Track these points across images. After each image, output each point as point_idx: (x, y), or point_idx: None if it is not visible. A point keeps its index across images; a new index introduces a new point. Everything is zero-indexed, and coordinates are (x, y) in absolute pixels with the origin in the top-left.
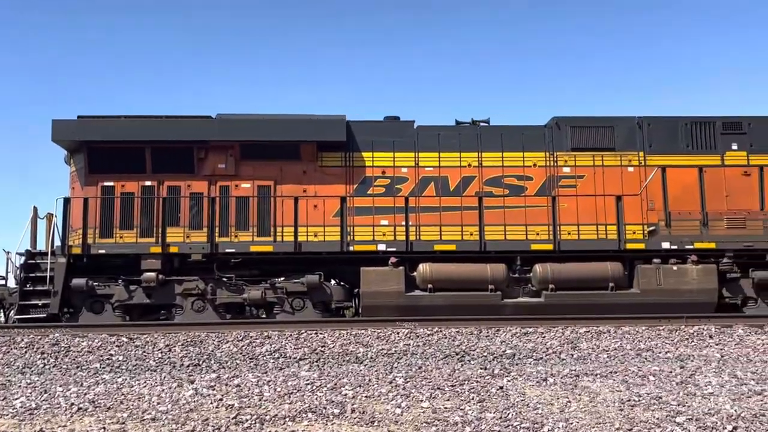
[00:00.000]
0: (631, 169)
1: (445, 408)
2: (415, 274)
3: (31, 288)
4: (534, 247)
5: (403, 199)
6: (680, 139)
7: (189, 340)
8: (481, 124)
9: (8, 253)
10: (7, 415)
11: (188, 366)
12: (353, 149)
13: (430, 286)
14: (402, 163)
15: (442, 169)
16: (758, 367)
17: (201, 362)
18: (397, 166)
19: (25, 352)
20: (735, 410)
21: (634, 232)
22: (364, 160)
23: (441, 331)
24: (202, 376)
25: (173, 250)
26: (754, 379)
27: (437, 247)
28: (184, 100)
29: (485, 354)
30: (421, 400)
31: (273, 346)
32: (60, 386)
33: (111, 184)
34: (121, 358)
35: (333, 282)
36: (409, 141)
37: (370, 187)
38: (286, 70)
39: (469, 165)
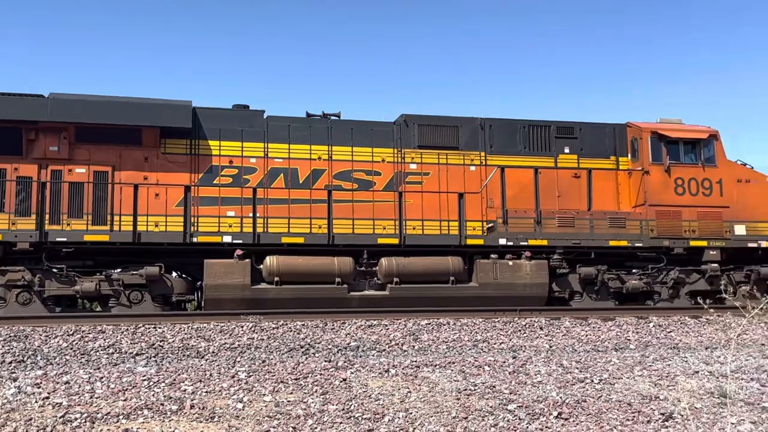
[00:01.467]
0: (473, 168)
1: (288, 401)
2: (261, 266)
3: None
4: (380, 241)
5: (251, 190)
6: (518, 141)
7: (12, 334)
8: (332, 117)
9: None
10: None
11: (10, 363)
12: (199, 137)
13: (276, 278)
14: (251, 153)
15: (292, 161)
16: (582, 357)
17: (26, 359)
18: (245, 156)
19: None
20: (560, 397)
21: (474, 229)
22: (211, 148)
23: (286, 324)
24: (27, 373)
25: None
26: (577, 368)
27: (285, 240)
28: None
29: (330, 347)
30: (264, 394)
31: (107, 341)
32: None
33: None
34: None
35: (174, 274)
36: (258, 131)
37: (217, 176)
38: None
39: (319, 158)
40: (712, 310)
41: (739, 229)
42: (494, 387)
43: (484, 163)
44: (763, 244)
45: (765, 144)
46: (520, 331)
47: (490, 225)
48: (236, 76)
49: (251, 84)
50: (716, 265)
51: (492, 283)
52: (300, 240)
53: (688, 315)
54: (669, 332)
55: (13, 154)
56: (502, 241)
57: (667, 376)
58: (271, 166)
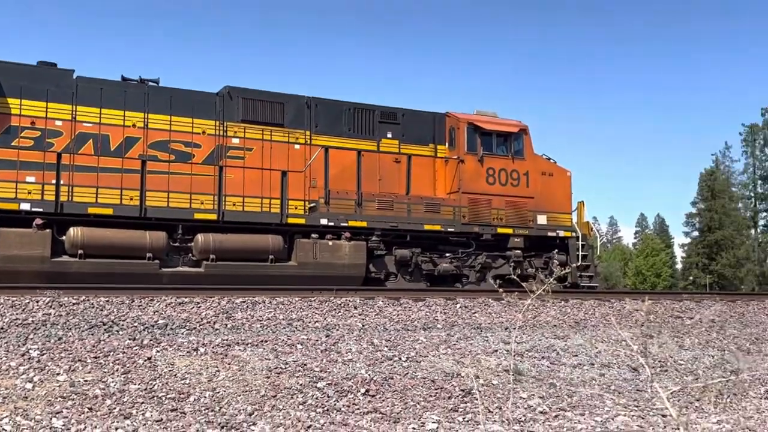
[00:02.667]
0: (297, 146)
1: (85, 381)
2: (64, 238)
3: None
4: (197, 216)
5: (54, 155)
6: (343, 122)
7: None
8: (150, 83)
9: None
10: None
11: None
12: None
13: (80, 251)
14: (56, 115)
15: (103, 127)
16: (392, 335)
17: None
18: (50, 117)
19: None
20: (369, 374)
21: (296, 208)
22: (10, 107)
23: (89, 299)
24: None
25: None
26: (387, 346)
27: (91, 210)
28: None
29: (136, 324)
30: (58, 374)
31: None
32: None
33: None
34: None
35: None
36: (66, 92)
37: (16, 138)
38: None
39: (134, 125)
40: (506, 294)
41: (541, 219)
42: (305, 365)
43: (308, 142)
44: (561, 233)
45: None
46: (335, 310)
47: (312, 205)
48: (43, 30)
49: (60, 40)
50: (520, 251)
51: (311, 263)
52: (108, 211)
53: (492, 297)
54: (474, 313)
55: None
56: (324, 222)
57: (469, 354)
58: (80, 130)
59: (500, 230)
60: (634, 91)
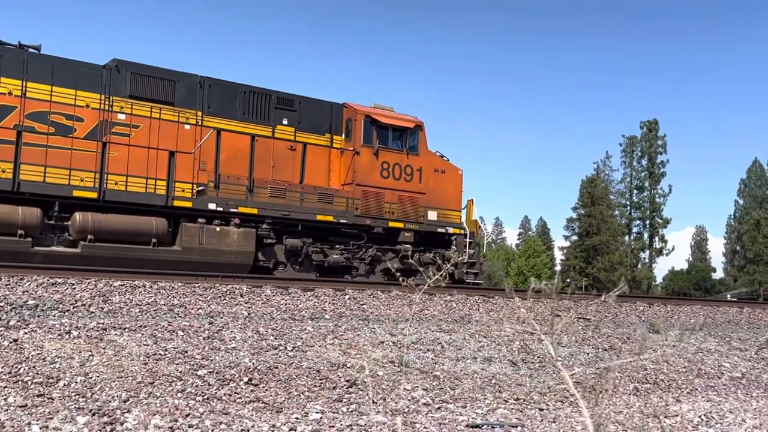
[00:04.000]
0: (188, 126)
1: None
2: None
3: None
4: (76, 193)
5: None
6: (238, 105)
7: None
8: (30, 50)
9: None
10: None
11: None
12: None
13: None
14: None
15: None
16: (278, 324)
17: None
18: None
19: None
20: (253, 363)
21: (183, 190)
22: None
23: None
24: None
25: None
26: (273, 335)
27: None
28: None
29: (2, 304)
30: None
31: None
32: None
33: None
34: None
35: None
36: None
37: None
38: None
39: (10, 93)
40: (394, 286)
41: (432, 215)
42: (186, 352)
43: (200, 123)
44: (450, 230)
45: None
46: (220, 297)
47: (200, 188)
48: None
49: None
50: (409, 245)
51: (197, 248)
52: None
53: (380, 289)
54: (362, 304)
55: None
56: (212, 206)
57: (355, 346)
58: None
59: (392, 224)
60: (526, 97)
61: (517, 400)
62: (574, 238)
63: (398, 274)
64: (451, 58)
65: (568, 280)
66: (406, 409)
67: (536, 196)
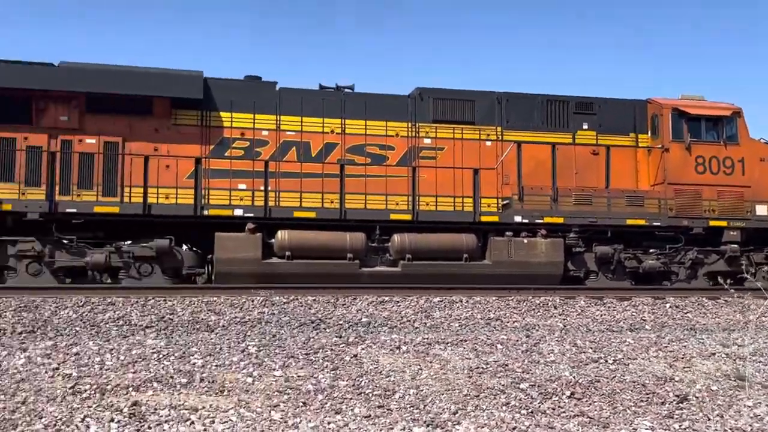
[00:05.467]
0: (488, 143)
1: (298, 376)
2: (273, 240)
3: None
4: (393, 216)
5: (262, 163)
6: (536, 116)
7: (22, 305)
8: (346, 90)
9: None
10: None
11: (20, 333)
12: (211, 108)
13: (288, 253)
14: (263, 125)
15: (305, 134)
16: (596, 337)
17: (36, 329)
18: (257, 128)
19: None
20: (574, 377)
21: (489, 205)
22: (223, 120)
23: (297, 299)
24: (37, 343)
25: (6, 207)
26: (591, 348)
27: (297, 214)
28: None
29: (341, 322)
30: (274, 369)
31: (117, 312)
32: None
33: None
34: None
35: (185, 247)
36: (270, 103)
37: (228, 148)
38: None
39: (332, 131)
40: (732, 291)
41: (761, 210)
42: (507, 365)
43: (500, 138)
44: None
45: None
46: (534, 309)
47: (505, 202)
48: (248, 48)
49: (263, 57)
50: (736, 245)
51: (506, 261)
52: (312, 215)
53: (706, 296)
54: (686, 313)
55: (23, 123)
56: (518, 219)
57: (682, 358)
58: (284, 139)
59: (713, 223)
60: None
61: None
62: None
63: (721, 278)
64: None
65: None
66: (749, 428)
67: None
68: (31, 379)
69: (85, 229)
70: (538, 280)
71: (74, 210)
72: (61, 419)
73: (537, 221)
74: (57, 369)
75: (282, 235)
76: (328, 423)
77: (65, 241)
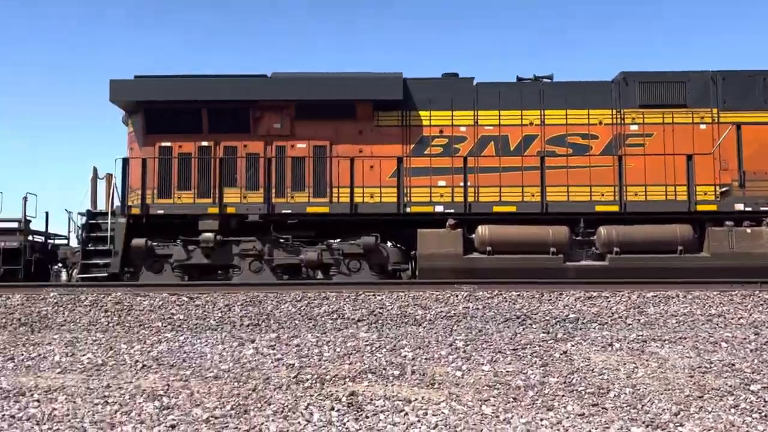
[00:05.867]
0: (703, 126)
1: (507, 372)
2: (473, 236)
3: (93, 248)
4: (599, 208)
5: (461, 159)
6: (757, 94)
7: (248, 300)
8: (544, 80)
9: (70, 213)
10: (76, 370)
11: (248, 326)
12: (410, 108)
13: (489, 248)
14: (460, 121)
15: (503, 128)
16: None
17: (260, 322)
18: (455, 124)
19: (90, 310)
20: None
21: (705, 193)
22: (422, 118)
23: (501, 294)
24: (262, 335)
25: (230, 210)
26: None
27: (497, 209)
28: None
29: (547, 318)
30: (482, 363)
31: (331, 307)
32: (124, 343)
33: (168, 144)
34: (181, 317)
35: (389, 244)
36: (468, 98)
37: (428, 146)
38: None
39: (531, 123)
40: None
41: None
42: (733, 365)
43: (716, 120)
44: None
45: None
46: (762, 305)
47: (723, 189)
48: (444, 45)
49: (459, 53)
50: None
51: (727, 253)
52: (512, 209)
53: None
54: None
55: (242, 132)
56: (739, 207)
57: None
58: (481, 134)
59: None
60: None
61: None
62: None
63: None
64: None
65: None
66: None
67: None
68: (259, 368)
69: (299, 228)
70: (764, 273)
71: (289, 211)
72: (287, 406)
73: (762, 209)
74: (281, 359)
75: (482, 230)
76: (541, 419)
77: (282, 241)
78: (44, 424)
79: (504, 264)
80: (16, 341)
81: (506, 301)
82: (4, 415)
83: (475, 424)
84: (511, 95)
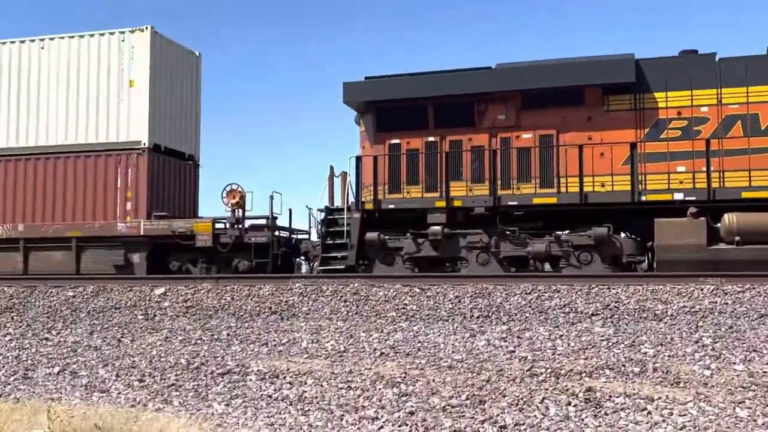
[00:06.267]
0: None
1: (764, 373)
2: (718, 225)
3: (331, 241)
4: None
5: (703, 142)
6: None
7: (477, 292)
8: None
9: (310, 209)
10: (321, 356)
11: (478, 317)
12: (643, 90)
13: (737, 238)
14: (701, 101)
15: (751, 106)
16: None
17: (490, 314)
18: (695, 105)
19: (331, 299)
20: None
21: None
22: (656, 101)
23: (754, 288)
24: (493, 327)
25: (457, 204)
26: None
27: (745, 195)
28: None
29: None
30: (734, 363)
31: (562, 300)
32: (363, 332)
33: (397, 141)
34: (414, 307)
35: (623, 234)
36: (709, 76)
37: (664, 130)
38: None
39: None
40: None
41: None
42: None
43: None
44: None
45: None
46: None
47: None
48: (681, 20)
49: (699, 29)
50: None
51: None
52: (765, 194)
53: None
54: None
55: (467, 126)
56: None
57: None
58: (726, 113)
59: None
60: None
61: None
62: None
63: None
64: None
65: None
66: None
67: None
68: (491, 360)
69: (525, 220)
70: None
71: (515, 203)
72: (522, 399)
73: None
74: (513, 352)
75: (729, 218)
76: None
77: (508, 233)
78: (297, 405)
79: (755, 255)
80: (268, 328)
81: (760, 296)
82: (262, 395)
83: (728, 427)
84: (762, 69)
